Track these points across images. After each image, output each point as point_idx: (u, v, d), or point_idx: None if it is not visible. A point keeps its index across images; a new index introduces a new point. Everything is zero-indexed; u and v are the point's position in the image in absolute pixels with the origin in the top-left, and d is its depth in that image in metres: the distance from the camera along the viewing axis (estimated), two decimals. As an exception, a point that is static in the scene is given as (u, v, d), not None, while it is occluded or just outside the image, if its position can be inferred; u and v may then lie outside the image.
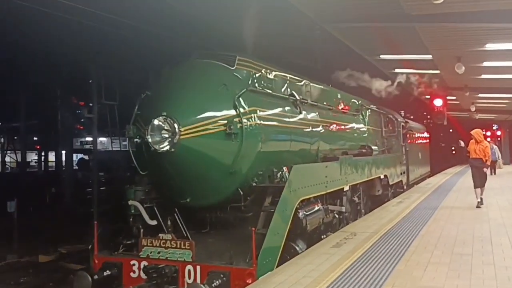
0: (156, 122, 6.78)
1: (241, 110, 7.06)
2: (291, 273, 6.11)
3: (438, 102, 18.94)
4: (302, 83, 9.76)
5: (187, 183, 7.22)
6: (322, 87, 11.07)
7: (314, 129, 9.60)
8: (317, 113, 10.07)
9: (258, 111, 7.39)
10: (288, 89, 8.99)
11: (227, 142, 6.94)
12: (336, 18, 10.89)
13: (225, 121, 6.87)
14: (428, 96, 22.89)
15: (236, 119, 6.96)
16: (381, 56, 15.21)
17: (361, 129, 13.50)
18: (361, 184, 11.80)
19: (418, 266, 6.38)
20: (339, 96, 12.12)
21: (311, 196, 8.07)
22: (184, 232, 7.54)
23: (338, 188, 9.58)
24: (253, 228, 6.46)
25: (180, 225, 7.58)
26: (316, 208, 8.39)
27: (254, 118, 7.25)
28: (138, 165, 7.58)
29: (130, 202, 7.31)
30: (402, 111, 20.88)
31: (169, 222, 7.52)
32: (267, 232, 6.55)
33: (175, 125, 6.68)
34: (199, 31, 12.34)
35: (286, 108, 8.52)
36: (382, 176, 13.60)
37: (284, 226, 6.99)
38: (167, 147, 6.72)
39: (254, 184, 7.44)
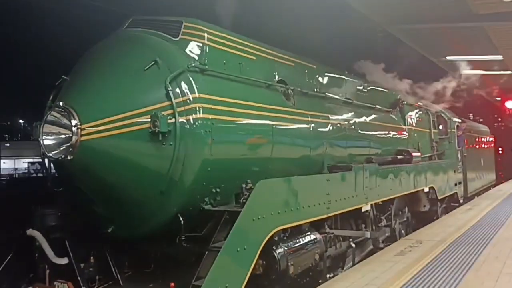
0: (50, 117, 4.64)
1: (177, 98, 4.75)
2: (353, 280, 5.95)
3: (510, 104, 17.42)
4: (301, 67, 7.29)
5: (101, 206, 5.03)
6: (337, 75, 8.53)
7: (318, 128, 7.11)
8: (325, 107, 7.56)
9: (208, 100, 5.03)
10: (275, 74, 6.57)
11: (153, 145, 4.67)
12: (401, 20, 10.81)
13: (149, 115, 4.62)
14: (499, 98, 22.17)
15: (166, 112, 4.67)
16: (448, 58, 14.54)
17: (397, 130, 10.70)
18: (396, 200, 9.12)
19: (489, 276, 6.03)
20: (364, 87, 9.48)
21: (297, 223, 5.59)
22: (114, 274, 5.39)
23: (350, 208, 7.00)
24: (172, 284, 4.17)
25: (111, 264, 5.43)
26: (310, 238, 5.91)
27: (199, 111, 4.89)
28: (52, 178, 5.52)
29: (28, 232, 5.22)
30: (471, 114, 19.41)
31: (92, 260, 5.35)
32: (203, 285, 4.18)
33: (73, 121, 4.50)
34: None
35: (267, 99, 6.11)
36: (426, 189, 10.72)
37: (240, 273, 4.60)
38: (62, 154, 4.55)
39: (205, 207, 5.11)
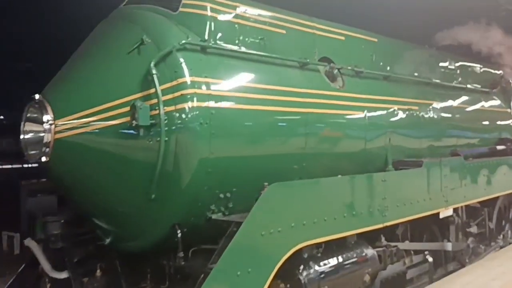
0: (28, 113, 4.04)
1: (164, 84, 3.83)
2: (478, 275, 5.77)
3: None
4: (355, 41, 5.96)
5: (92, 215, 4.34)
6: (411, 49, 7.00)
7: (378, 115, 5.75)
8: (389, 89, 6.15)
9: (208, 84, 4.01)
10: (316, 51, 5.36)
11: (135, 142, 3.82)
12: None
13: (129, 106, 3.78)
14: None
15: (150, 101, 3.78)
16: None
17: (499, 114, 8.71)
18: (491, 201, 7.35)
19: None
20: (450, 63, 7.74)
21: (332, 237, 4.38)
22: (123, 289, 4.70)
23: (420, 215, 5.56)
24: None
25: (121, 279, 4.76)
26: (356, 255, 4.67)
27: (193, 98, 3.90)
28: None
29: (26, 242, 4.72)
30: None
31: (98, 273, 4.70)
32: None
33: (46, 116, 3.82)
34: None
35: (301, 81, 4.94)
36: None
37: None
38: (38, 155, 3.91)
39: (213, 216, 4.16)
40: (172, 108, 3.82)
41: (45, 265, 4.57)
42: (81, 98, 3.91)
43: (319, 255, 4.37)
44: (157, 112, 3.76)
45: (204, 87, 3.97)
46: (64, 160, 3.90)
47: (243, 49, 4.50)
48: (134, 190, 3.93)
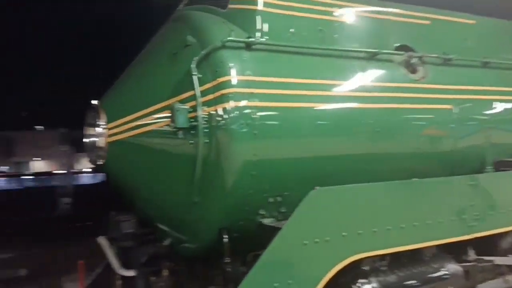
0: (88, 119, 4.26)
1: (204, 84, 3.71)
2: None
3: None
4: (444, 25, 5.21)
5: (148, 216, 4.40)
6: None
7: (472, 109, 4.97)
8: (489, 77, 5.28)
9: (251, 83, 3.77)
10: (392, 38, 4.80)
11: (176, 145, 3.79)
12: None
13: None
14: None
15: (190, 103, 3.69)
16: None
17: None
18: None
19: None
20: None
21: (399, 248, 3.84)
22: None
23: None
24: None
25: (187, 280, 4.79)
26: (434, 270, 4.06)
27: (233, 98, 3.68)
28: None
29: (98, 240, 4.94)
30: None
31: (165, 272, 4.77)
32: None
33: (100, 120, 4.00)
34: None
35: (370, 74, 4.45)
36: None
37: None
38: (94, 158, 4.11)
39: (263, 221, 3.93)
40: (212, 108, 3.69)
41: (114, 262, 4.75)
42: (131, 101, 4.01)
43: (383, 268, 3.88)
44: (194, 114, 3.66)
45: (246, 85, 3.76)
46: (117, 163, 4.03)
47: (297, 42, 4.18)
48: (179, 193, 3.89)
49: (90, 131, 4.18)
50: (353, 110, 4.26)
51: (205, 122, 3.67)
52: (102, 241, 4.90)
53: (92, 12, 9.44)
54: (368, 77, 4.41)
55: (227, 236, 3.84)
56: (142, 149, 3.92)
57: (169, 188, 3.94)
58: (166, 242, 4.41)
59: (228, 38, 3.81)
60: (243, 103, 3.72)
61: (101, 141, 3.98)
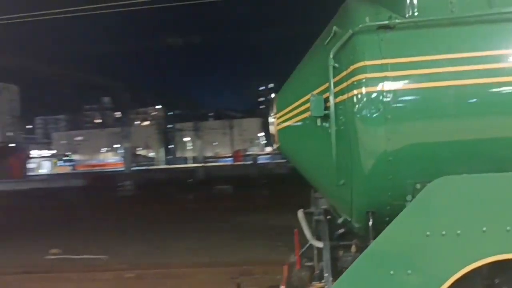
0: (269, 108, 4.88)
1: (339, 74, 3.90)
2: None
3: None
4: None
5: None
6: None
7: None
8: None
9: (383, 67, 3.72)
10: None
11: (316, 133, 4.13)
12: None
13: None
14: None
15: (326, 94, 3.96)
16: None
17: None
18: None
19: None
20: None
21: None
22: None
23: None
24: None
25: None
26: None
27: (364, 84, 3.73)
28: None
29: (298, 212, 5.38)
30: None
31: (353, 249, 4.72)
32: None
33: (272, 111, 4.71)
34: None
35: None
36: None
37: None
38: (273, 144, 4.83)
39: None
40: (345, 96, 3.83)
41: (307, 233, 5.09)
42: (292, 92, 4.49)
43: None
44: (332, 102, 3.91)
45: (380, 69, 3.72)
46: (285, 148, 4.63)
47: (459, 13, 3.75)
48: (326, 176, 4.19)
49: (269, 120, 4.80)
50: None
51: (339, 110, 3.87)
52: (300, 214, 5.40)
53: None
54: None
55: (371, 220, 3.93)
56: (298, 136, 4.39)
57: (320, 171, 4.30)
58: (340, 220, 4.62)
59: (366, 23, 3.82)
60: (376, 87, 3.71)
61: (273, 129, 4.63)
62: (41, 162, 78.79)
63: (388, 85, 3.69)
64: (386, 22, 3.80)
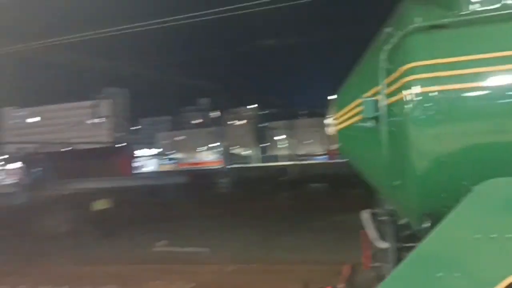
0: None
1: (389, 75, 3.88)
2: None
3: None
4: None
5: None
6: None
7: None
8: None
9: (432, 67, 3.63)
10: None
11: (369, 134, 4.13)
12: None
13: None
14: None
15: (379, 96, 3.95)
16: None
17: None
18: None
19: None
20: None
21: None
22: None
23: None
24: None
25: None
26: None
27: (412, 85, 3.66)
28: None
29: (361, 213, 5.38)
30: None
31: None
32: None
33: (331, 112, 4.90)
34: None
35: None
36: None
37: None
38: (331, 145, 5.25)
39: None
40: (396, 98, 3.80)
41: (371, 233, 5.07)
42: (348, 94, 4.56)
43: None
44: (383, 104, 3.93)
45: (430, 70, 3.66)
46: (343, 150, 4.74)
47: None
48: (382, 177, 4.21)
49: (327, 121, 4.97)
50: None
51: (390, 112, 3.85)
52: (365, 214, 5.37)
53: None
54: None
55: (428, 222, 3.81)
56: (353, 137, 4.45)
57: (376, 172, 4.34)
58: (402, 221, 4.65)
59: (417, 24, 3.77)
60: (427, 88, 3.66)
61: (331, 130, 4.78)
62: (146, 160, 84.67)
63: (440, 86, 3.61)
64: (439, 21, 3.74)
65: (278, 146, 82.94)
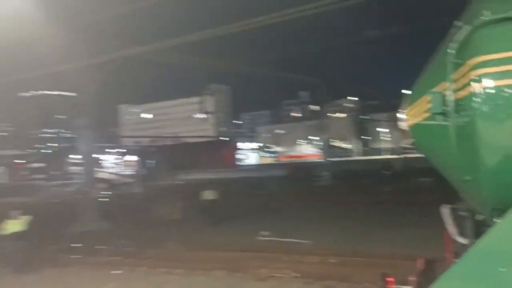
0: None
1: (457, 70, 3.80)
2: None
3: None
4: None
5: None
6: None
7: None
8: None
9: (499, 61, 3.54)
10: None
11: (438, 128, 4.03)
12: None
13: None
14: None
15: (446, 92, 3.89)
16: None
17: None
18: None
19: None
20: None
21: None
22: None
23: None
24: None
25: None
26: None
27: (478, 80, 3.58)
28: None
29: (441, 208, 5.31)
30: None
31: None
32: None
33: (404, 107, 4.88)
34: None
35: None
36: None
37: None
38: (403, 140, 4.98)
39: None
40: (464, 92, 3.75)
41: (451, 229, 5.07)
42: (420, 89, 4.53)
43: None
44: (450, 98, 3.88)
45: (500, 64, 3.56)
46: (417, 144, 4.80)
47: None
48: (454, 172, 4.24)
49: (401, 116, 4.97)
50: None
51: (459, 106, 3.81)
52: (444, 209, 5.34)
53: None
54: None
55: (496, 218, 3.72)
56: (425, 132, 4.42)
57: (448, 166, 4.35)
58: (480, 217, 4.52)
59: (487, 17, 3.67)
60: (496, 82, 3.59)
61: (404, 125, 4.80)
62: (248, 153, 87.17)
63: (509, 79, 3.52)
64: (508, 14, 3.62)
65: (381, 138, 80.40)
